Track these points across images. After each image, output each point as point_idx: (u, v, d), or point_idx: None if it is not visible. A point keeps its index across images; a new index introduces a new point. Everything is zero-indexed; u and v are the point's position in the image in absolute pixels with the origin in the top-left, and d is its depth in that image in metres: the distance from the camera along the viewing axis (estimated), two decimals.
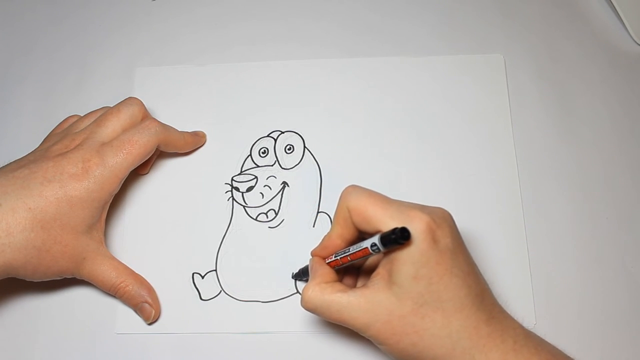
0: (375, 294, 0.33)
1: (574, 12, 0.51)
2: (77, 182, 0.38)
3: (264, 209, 0.45)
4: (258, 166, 0.46)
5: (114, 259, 0.42)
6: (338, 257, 0.36)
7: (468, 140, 0.46)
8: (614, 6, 0.49)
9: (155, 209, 0.45)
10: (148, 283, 0.42)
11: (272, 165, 0.46)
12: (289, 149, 0.46)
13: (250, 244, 0.44)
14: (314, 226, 0.44)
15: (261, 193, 0.45)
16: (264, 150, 0.46)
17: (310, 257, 0.38)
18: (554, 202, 0.44)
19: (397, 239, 0.31)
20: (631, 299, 0.42)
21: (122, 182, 0.41)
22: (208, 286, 0.43)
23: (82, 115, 0.45)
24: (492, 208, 0.44)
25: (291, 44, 0.50)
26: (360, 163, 0.46)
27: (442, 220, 0.33)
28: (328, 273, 0.36)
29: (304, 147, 0.46)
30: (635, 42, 0.49)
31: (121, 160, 0.40)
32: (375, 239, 0.32)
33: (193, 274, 0.43)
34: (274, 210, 0.45)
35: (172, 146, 0.44)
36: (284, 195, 0.45)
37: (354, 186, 0.35)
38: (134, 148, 0.40)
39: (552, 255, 0.43)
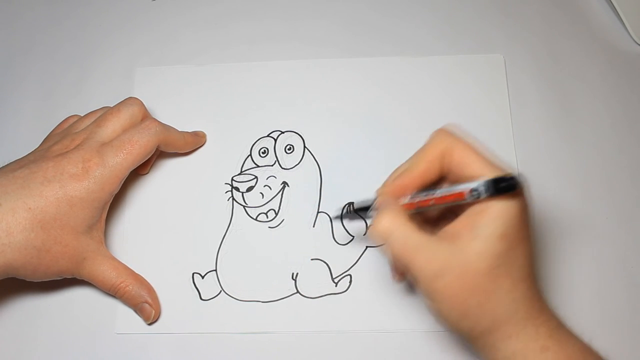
0: (454, 245, 0.32)
1: (574, 12, 0.51)
2: (77, 182, 0.38)
3: (264, 209, 0.45)
4: (258, 166, 0.46)
5: (114, 259, 0.42)
6: (416, 200, 0.33)
7: None
8: (614, 6, 0.49)
9: (155, 209, 0.45)
10: (148, 283, 0.42)
11: (272, 165, 0.46)
12: (289, 149, 0.46)
13: (250, 244, 0.44)
14: (314, 226, 0.44)
15: (261, 193, 0.45)
16: (264, 150, 0.46)
17: (376, 195, 0.36)
18: (554, 202, 0.44)
19: (510, 186, 0.30)
20: (631, 299, 0.42)
21: (122, 182, 0.41)
22: (208, 286, 0.43)
23: (82, 115, 0.45)
24: None
25: (291, 44, 0.50)
26: (360, 163, 0.46)
27: (529, 194, 0.33)
28: (402, 210, 0.33)
29: (304, 147, 0.46)
30: (635, 42, 0.49)
31: (121, 160, 0.40)
32: (478, 184, 0.30)
33: (193, 274, 0.43)
34: (274, 210, 0.45)
35: (172, 146, 0.44)
36: (284, 195, 0.45)
37: (451, 129, 0.34)
38: (134, 148, 0.40)
39: (552, 255, 0.43)
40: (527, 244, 0.33)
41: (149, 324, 0.42)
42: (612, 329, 0.41)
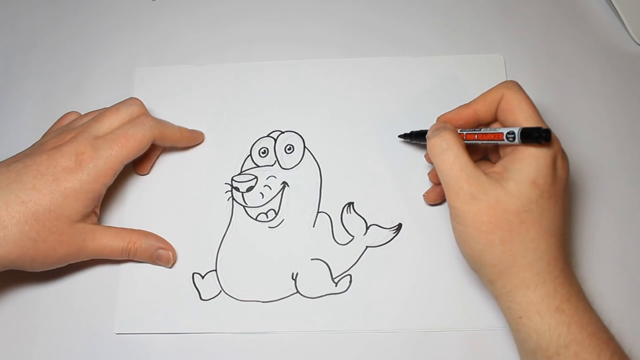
0: (495, 182, 0.34)
1: (574, 12, 0.51)
2: (70, 175, 0.39)
3: (264, 209, 0.45)
4: (258, 166, 0.46)
5: (111, 227, 0.42)
6: (464, 132, 0.37)
7: None
8: (614, 6, 0.49)
9: (156, 209, 0.45)
10: (152, 233, 0.43)
11: (272, 165, 0.46)
12: (289, 149, 0.46)
13: (250, 244, 0.44)
14: (314, 226, 0.44)
15: (261, 193, 0.45)
16: (264, 150, 0.46)
17: (436, 121, 0.40)
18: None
19: (539, 137, 0.33)
20: (631, 299, 0.42)
21: (116, 175, 0.41)
22: (208, 286, 0.43)
23: (81, 112, 0.45)
24: None
25: (291, 44, 0.50)
26: (360, 163, 0.46)
27: (566, 157, 0.36)
28: (459, 136, 0.37)
29: (304, 147, 0.46)
30: (635, 42, 0.49)
31: (116, 152, 0.40)
32: (514, 129, 0.34)
33: (193, 274, 0.43)
34: (274, 210, 0.45)
35: (169, 140, 0.44)
36: (284, 195, 0.45)
37: (516, 83, 0.37)
38: (129, 142, 0.41)
39: None
40: (559, 201, 0.35)
41: (170, 267, 0.43)
42: (612, 329, 0.41)
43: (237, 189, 0.45)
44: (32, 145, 0.42)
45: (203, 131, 0.47)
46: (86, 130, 0.41)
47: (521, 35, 0.50)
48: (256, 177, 0.45)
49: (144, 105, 0.44)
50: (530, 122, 0.35)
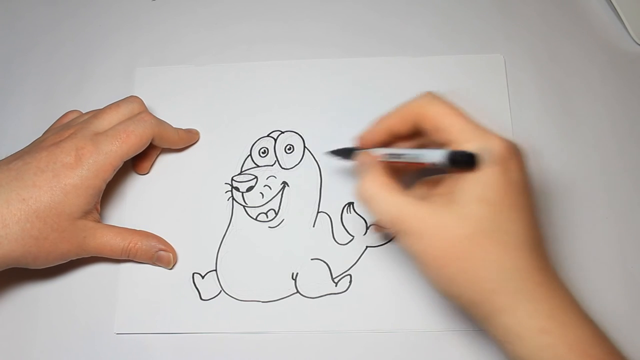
0: (435, 208, 0.31)
1: (574, 12, 0.51)
2: (70, 171, 0.39)
3: (264, 209, 0.45)
4: (258, 166, 0.46)
5: (113, 226, 0.42)
6: (387, 159, 0.35)
7: None
8: (614, 6, 0.49)
9: (155, 209, 0.45)
10: (153, 234, 0.43)
11: (272, 165, 0.46)
12: (289, 149, 0.46)
13: (250, 244, 0.44)
14: (314, 226, 0.44)
15: (261, 193, 0.45)
16: (264, 150, 0.46)
17: (356, 141, 0.38)
18: (554, 201, 0.44)
19: (466, 162, 0.30)
20: (631, 299, 0.42)
21: (116, 171, 0.41)
22: (208, 286, 0.43)
23: (83, 111, 0.45)
24: None
25: (291, 44, 0.50)
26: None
27: (517, 152, 0.32)
28: (386, 173, 0.34)
29: (304, 147, 0.46)
30: (635, 42, 0.49)
31: (116, 148, 0.40)
32: (440, 156, 0.31)
33: (193, 274, 0.43)
34: (274, 210, 0.45)
35: (166, 140, 0.44)
36: (284, 195, 0.45)
37: (434, 94, 0.34)
38: (129, 137, 0.41)
39: (552, 255, 0.43)
40: (519, 210, 0.31)
41: (171, 269, 0.43)
42: (612, 329, 0.41)
43: (237, 189, 0.45)
44: (32, 142, 0.43)
45: (203, 131, 0.47)
46: (86, 126, 0.41)
47: (521, 35, 0.50)
48: (256, 177, 0.45)
49: (144, 103, 0.44)
50: (461, 137, 0.32)
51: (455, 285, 0.31)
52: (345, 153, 0.41)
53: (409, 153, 0.34)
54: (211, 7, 0.52)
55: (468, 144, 0.31)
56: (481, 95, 0.47)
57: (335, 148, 0.42)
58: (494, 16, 0.50)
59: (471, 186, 0.31)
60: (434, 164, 0.31)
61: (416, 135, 0.36)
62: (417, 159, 0.33)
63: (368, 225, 0.44)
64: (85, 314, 0.43)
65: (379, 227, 0.43)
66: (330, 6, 0.51)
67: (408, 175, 0.39)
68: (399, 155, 0.34)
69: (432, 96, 0.34)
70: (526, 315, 0.30)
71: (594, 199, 0.44)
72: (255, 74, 0.49)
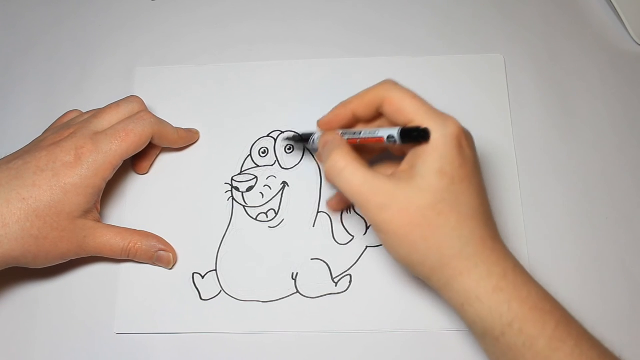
0: (398, 181, 0.34)
1: (574, 12, 0.51)
2: (70, 170, 0.39)
3: (264, 209, 0.45)
4: (258, 166, 0.46)
5: (113, 226, 0.42)
6: (347, 137, 0.37)
7: None
8: (614, 6, 0.49)
9: (156, 209, 0.45)
10: (154, 234, 0.43)
11: (272, 165, 0.46)
12: (289, 149, 0.46)
13: (250, 244, 0.44)
14: (314, 226, 0.44)
15: (261, 193, 0.45)
16: (264, 150, 0.46)
17: (317, 127, 0.40)
18: (554, 202, 0.44)
19: (419, 136, 0.33)
20: (631, 299, 0.42)
21: (116, 170, 0.41)
22: (208, 286, 0.43)
23: (82, 110, 0.45)
24: (492, 208, 0.44)
25: (291, 44, 0.50)
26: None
27: (468, 134, 0.36)
28: (351, 149, 0.36)
29: (304, 147, 0.46)
30: (635, 42, 0.49)
31: (116, 147, 0.40)
32: (394, 131, 0.34)
33: (193, 274, 0.43)
34: (274, 210, 0.45)
35: (166, 140, 0.44)
36: (284, 195, 0.45)
37: (394, 82, 0.37)
38: (129, 136, 0.41)
39: (552, 255, 0.43)
40: (473, 183, 0.34)
41: (170, 269, 0.43)
42: (612, 329, 0.41)
43: (237, 189, 0.45)
44: (32, 141, 0.42)
45: (203, 131, 0.47)
46: (86, 125, 0.41)
47: (521, 35, 0.50)
48: (256, 177, 0.45)
49: (144, 103, 0.44)
50: (419, 116, 0.34)
51: (418, 252, 0.34)
52: (299, 139, 0.43)
53: (366, 130, 0.37)
54: (211, 7, 0.52)
55: (424, 122, 0.34)
56: (481, 95, 0.47)
57: (288, 136, 0.44)
58: (494, 16, 0.50)
59: (430, 160, 0.33)
60: (391, 137, 0.34)
61: (375, 119, 0.38)
62: (375, 134, 0.35)
63: (368, 225, 0.44)
64: (85, 314, 0.43)
65: (335, 202, 0.43)
66: (330, 6, 0.51)
67: (370, 160, 0.40)
68: (357, 133, 0.37)
69: (393, 83, 0.37)
70: (483, 276, 0.33)
71: (594, 199, 0.44)
72: (255, 74, 0.49)
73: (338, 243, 0.44)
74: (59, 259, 0.40)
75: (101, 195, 0.42)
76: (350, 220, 0.44)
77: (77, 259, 0.41)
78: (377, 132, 0.36)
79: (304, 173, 0.46)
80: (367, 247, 0.43)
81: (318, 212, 0.44)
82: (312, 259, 0.43)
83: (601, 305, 0.41)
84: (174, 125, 0.45)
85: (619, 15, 0.49)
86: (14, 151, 0.42)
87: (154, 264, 0.43)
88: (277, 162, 0.46)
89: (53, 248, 0.39)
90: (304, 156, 0.46)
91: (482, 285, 0.33)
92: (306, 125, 0.47)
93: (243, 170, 0.46)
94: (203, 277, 0.43)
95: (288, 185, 0.45)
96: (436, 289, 0.35)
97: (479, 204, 0.34)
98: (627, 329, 0.41)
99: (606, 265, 0.43)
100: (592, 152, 0.46)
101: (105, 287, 0.43)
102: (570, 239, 0.43)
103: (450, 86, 0.48)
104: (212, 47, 0.50)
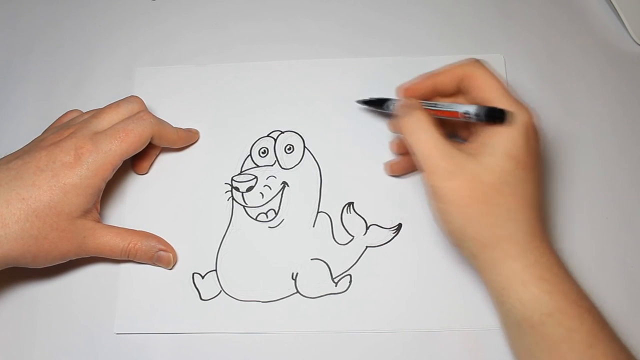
0: (471, 157, 0.35)
1: (574, 12, 0.51)
2: (69, 170, 0.39)
3: (264, 209, 0.45)
4: (258, 166, 0.46)
5: (112, 227, 0.42)
6: (425, 107, 0.38)
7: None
8: (614, 6, 0.49)
9: (155, 209, 0.45)
10: (154, 234, 0.43)
11: (272, 165, 0.46)
12: (289, 149, 0.46)
13: (250, 244, 0.44)
14: (314, 226, 0.44)
15: (261, 193, 0.45)
16: (264, 150, 0.46)
17: (396, 92, 0.41)
18: (554, 202, 0.44)
19: (497, 116, 0.34)
20: (631, 299, 0.42)
21: (115, 170, 0.41)
22: (208, 286, 0.43)
23: (82, 110, 0.45)
24: None
25: (291, 44, 0.50)
26: (360, 163, 0.46)
27: (539, 128, 0.37)
28: (431, 115, 0.37)
29: (304, 147, 0.46)
30: (635, 42, 0.49)
31: (115, 147, 0.40)
32: (472, 108, 0.35)
33: (193, 274, 0.43)
34: (274, 210, 0.45)
35: (165, 140, 0.44)
36: (284, 195, 0.45)
37: (481, 61, 0.38)
38: (128, 136, 0.41)
39: None
40: (535, 174, 0.35)
41: (171, 269, 0.43)
42: (612, 329, 0.41)
43: (237, 189, 0.45)
44: (32, 141, 0.42)
45: (203, 131, 0.47)
46: (85, 126, 0.41)
47: (521, 35, 0.50)
48: (256, 177, 0.45)
49: (144, 103, 0.44)
50: (499, 98, 0.36)
51: (473, 227, 0.35)
52: (378, 103, 0.43)
53: (443, 103, 0.38)
54: (211, 7, 0.52)
55: (502, 105, 0.35)
56: None
57: (366, 99, 0.44)
58: (494, 16, 0.50)
59: (501, 142, 0.35)
60: (467, 113, 0.35)
61: (453, 95, 0.40)
62: (453, 108, 0.37)
63: (368, 225, 0.44)
64: (85, 314, 0.43)
65: (397, 166, 0.44)
66: (330, 6, 0.51)
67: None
68: (436, 105, 0.38)
69: (479, 62, 0.38)
70: (529, 265, 0.34)
71: (594, 199, 0.44)
72: (255, 73, 0.49)
73: (338, 243, 0.44)
74: (58, 259, 0.40)
75: (101, 195, 0.42)
76: (350, 220, 0.44)
77: (77, 259, 0.41)
78: (454, 107, 0.37)
79: (304, 173, 0.46)
80: (367, 247, 0.43)
81: (318, 212, 0.44)
82: (312, 259, 0.43)
83: (601, 305, 0.41)
84: (174, 125, 0.45)
85: (619, 15, 0.49)
86: (13, 151, 0.42)
87: (154, 264, 0.43)
88: (277, 162, 0.46)
89: (53, 248, 0.39)
90: (304, 156, 0.46)
91: (528, 271, 0.34)
92: (306, 125, 0.47)
93: (243, 170, 0.46)
94: (203, 277, 0.43)
95: (288, 185, 0.45)
96: (479, 269, 0.36)
97: (537, 195, 0.36)
98: (627, 329, 0.41)
99: (606, 265, 0.43)
100: (592, 152, 0.46)
101: (105, 287, 0.43)
102: (570, 239, 0.43)
103: None
104: (212, 47, 0.50)
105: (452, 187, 0.35)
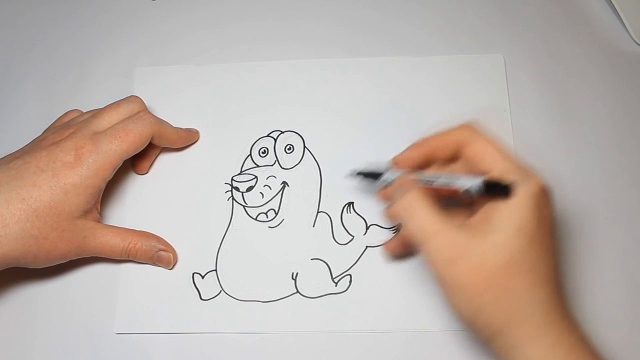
0: (472, 234, 0.32)
1: (574, 12, 0.51)
2: (70, 170, 0.39)
3: (264, 209, 0.45)
4: (258, 166, 0.46)
5: (113, 227, 0.42)
6: (422, 184, 0.35)
7: None
8: (614, 6, 0.49)
9: (155, 209, 0.45)
10: (154, 234, 0.43)
11: (272, 165, 0.46)
12: (289, 149, 0.46)
13: (250, 244, 0.44)
14: (314, 226, 0.44)
15: (261, 193, 0.45)
16: (264, 150, 0.46)
17: (390, 164, 0.38)
18: (554, 202, 0.44)
19: (501, 191, 0.31)
20: (631, 299, 0.42)
21: (116, 170, 0.41)
22: (208, 286, 0.43)
23: (82, 110, 0.45)
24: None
25: (291, 44, 0.50)
26: (360, 163, 0.45)
27: (549, 193, 0.34)
28: (426, 191, 0.35)
29: (304, 147, 0.46)
30: (635, 42, 0.49)
31: (115, 147, 0.40)
32: (473, 182, 0.32)
33: (193, 274, 0.43)
34: (274, 210, 0.45)
35: (165, 140, 0.44)
36: (284, 195, 0.45)
37: (476, 126, 0.36)
38: (128, 136, 0.41)
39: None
40: (549, 245, 0.33)
41: (171, 269, 0.43)
42: (612, 329, 0.41)
43: (237, 189, 0.45)
44: (32, 141, 0.42)
45: (203, 131, 0.47)
46: (86, 125, 0.41)
47: (521, 35, 0.50)
48: (256, 177, 0.45)
49: (143, 103, 0.44)
50: (501, 168, 0.33)
51: (485, 314, 0.32)
52: (373, 176, 0.40)
53: (443, 178, 0.34)
54: (211, 7, 0.52)
55: (506, 176, 0.32)
56: (481, 95, 0.47)
57: (359, 170, 0.41)
58: (494, 16, 0.50)
59: (509, 216, 0.32)
60: (468, 191, 0.32)
61: (450, 162, 0.37)
62: (452, 184, 0.33)
63: (368, 225, 0.44)
64: (85, 314, 0.43)
65: (394, 245, 0.41)
66: (331, 6, 0.51)
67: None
68: (433, 180, 0.34)
69: (475, 128, 0.36)
70: (549, 347, 0.31)
71: (594, 199, 0.44)
72: (256, 73, 0.49)
73: (338, 243, 0.44)
74: (59, 259, 0.40)
75: (101, 195, 0.42)
76: (350, 220, 0.44)
77: (77, 259, 0.41)
78: (454, 182, 0.33)
79: (304, 173, 0.46)
80: (367, 247, 0.43)
81: (318, 212, 0.44)
82: (312, 259, 0.43)
83: (601, 305, 0.41)
84: (174, 125, 0.45)
85: (619, 15, 0.49)
86: (13, 151, 0.42)
87: (154, 264, 0.43)
88: (277, 162, 0.46)
89: (53, 248, 0.39)
90: (304, 156, 0.46)
91: (548, 356, 0.31)
92: (306, 125, 0.47)
93: (243, 170, 0.46)
94: (203, 277, 0.43)
95: (288, 185, 0.45)
96: (496, 354, 0.33)
97: (551, 268, 0.33)
98: (627, 329, 0.41)
99: (606, 265, 0.43)
100: (592, 152, 0.46)
101: (105, 287, 0.43)
102: (570, 239, 0.43)
103: (450, 86, 0.48)
104: (212, 47, 0.50)
105: (456, 275, 0.32)
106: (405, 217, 0.34)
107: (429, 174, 0.36)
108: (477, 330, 0.33)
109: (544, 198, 0.33)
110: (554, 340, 0.31)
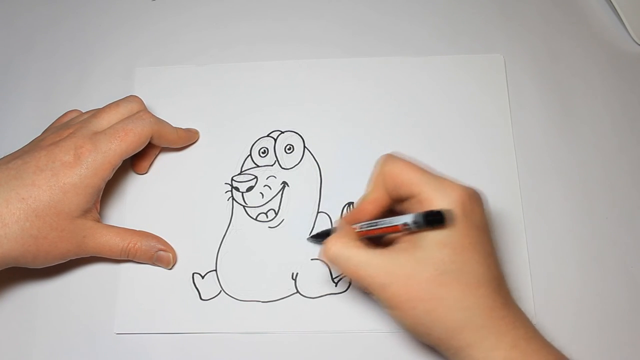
0: (397, 256, 0.33)
1: (574, 12, 0.51)
2: (69, 170, 0.39)
3: (264, 209, 0.45)
4: (258, 166, 0.46)
5: (112, 227, 0.42)
6: (364, 229, 0.36)
7: (468, 140, 0.46)
8: (614, 6, 0.49)
9: (155, 209, 0.45)
10: (153, 234, 0.43)
11: (272, 165, 0.46)
12: (289, 149, 0.46)
13: (250, 244, 0.44)
14: (314, 226, 0.44)
15: (261, 193, 0.45)
16: (264, 150, 0.46)
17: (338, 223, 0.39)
18: (554, 202, 0.44)
19: (434, 221, 0.32)
20: (631, 299, 0.42)
21: (115, 170, 0.41)
22: (208, 286, 0.43)
23: (82, 109, 0.45)
24: (492, 208, 0.44)
25: (291, 44, 0.50)
26: (360, 163, 0.46)
27: (475, 197, 0.34)
28: (351, 232, 0.36)
29: (304, 147, 0.46)
30: (635, 42, 0.49)
31: (115, 146, 0.40)
32: (408, 218, 0.33)
33: (193, 274, 0.43)
34: (274, 210, 0.45)
35: (165, 139, 0.44)
36: (284, 195, 0.45)
37: (391, 154, 0.36)
38: (128, 136, 0.41)
39: (552, 255, 0.43)
40: (478, 250, 0.33)
41: (170, 269, 0.43)
42: (612, 329, 0.41)
43: (237, 189, 0.45)
44: (32, 141, 0.42)
45: (203, 131, 0.47)
46: (85, 125, 0.41)
47: (521, 35, 0.50)
48: (256, 177, 0.45)
49: (143, 103, 0.44)
50: (420, 188, 0.34)
51: (423, 325, 0.33)
52: (325, 235, 0.40)
53: (383, 220, 0.35)
54: (211, 7, 0.52)
55: (426, 195, 0.33)
56: (481, 95, 0.47)
57: (314, 233, 0.43)
58: (494, 16, 0.50)
59: (430, 232, 0.33)
60: (406, 225, 0.33)
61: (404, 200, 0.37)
62: (392, 223, 0.34)
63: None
64: (85, 314, 0.43)
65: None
66: (331, 6, 0.51)
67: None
68: (375, 224, 0.36)
69: (390, 155, 0.36)
70: (491, 348, 0.32)
71: (594, 199, 0.44)
72: (255, 73, 0.49)
73: None
74: (58, 259, 0.40)
75: (101, 195, 0.42)
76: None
77: (77, 259, 0.41)
78: (392, 221, 0.34)
79: (304, 173, 0.46)
80: None
81: (318, 212, 0.44)
82: (312, 259, 0.43)
83: (601, 305, 0.41)
84: (174, 125, 0.45)
85: (619, 15, 0.49)
86: (13, 151, 0.42)
87: (153, 264, 0.43)
88: (277, 162, 0.46)
89: (52, 248, 0.39)
90: (304, 156, 0.46)
91: (490, 357, 0.32)
92: (306, 125, 0.47)
93: (243, 170, 0.46)
94: (203, 277, 0.43)
95: (288, 185, 0.45)
96: (448, 357, 0.35)
97: (485, 271, 0.33)
98: (627, 329, 0.41)
99: (606, 265, 0.43)
100: (592, 152, 0.46)
101: (105, 287, 0.43)
102: (570, 239, 0.43)
103: (451, 86, 0.48)
104: (212, 47, 0.50)
105: (389, 296, 0.33)
106: (332, 262, 0.35)
107: (372, 221, 0.36)
108: (421, 338, 0.35)
109: (467, 205, 0.33)
110: (494, 341, 0.32)
